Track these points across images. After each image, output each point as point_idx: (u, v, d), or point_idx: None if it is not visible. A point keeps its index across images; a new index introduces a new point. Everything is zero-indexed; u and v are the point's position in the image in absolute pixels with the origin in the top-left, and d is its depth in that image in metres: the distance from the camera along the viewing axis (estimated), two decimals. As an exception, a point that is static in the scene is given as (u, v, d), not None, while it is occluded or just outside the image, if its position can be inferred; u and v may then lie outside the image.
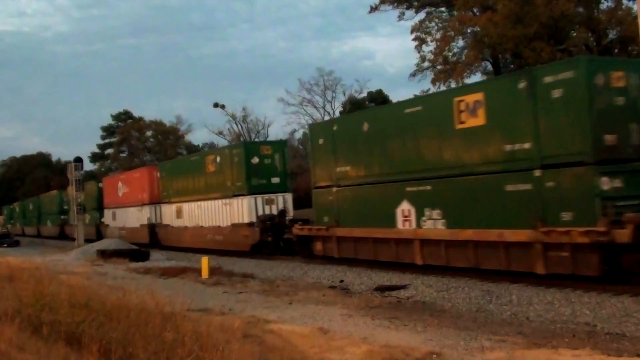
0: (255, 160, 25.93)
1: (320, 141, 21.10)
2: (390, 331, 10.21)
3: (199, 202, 29.65)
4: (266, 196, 25.47)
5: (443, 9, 42.26)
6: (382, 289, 15.38)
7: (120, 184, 40.97)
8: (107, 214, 44.03)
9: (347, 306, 12.85)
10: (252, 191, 25.44)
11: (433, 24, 41.11)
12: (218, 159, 28.35)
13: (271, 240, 24.12)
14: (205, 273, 19.08)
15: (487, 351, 8.56)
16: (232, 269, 21.55)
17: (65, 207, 52.15)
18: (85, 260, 27.33)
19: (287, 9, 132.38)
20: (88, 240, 38.75)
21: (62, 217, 55.22)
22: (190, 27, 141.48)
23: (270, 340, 9.03)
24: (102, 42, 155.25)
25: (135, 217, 37.52)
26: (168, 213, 33.51)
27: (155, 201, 35.21)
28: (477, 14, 37.56)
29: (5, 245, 44.72)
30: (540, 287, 13.39)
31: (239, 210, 25.85)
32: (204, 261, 19.47)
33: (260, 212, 25.11)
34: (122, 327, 7.24)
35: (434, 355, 8.26)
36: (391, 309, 12.62)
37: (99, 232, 45.17)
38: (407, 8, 43.03)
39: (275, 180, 26.04)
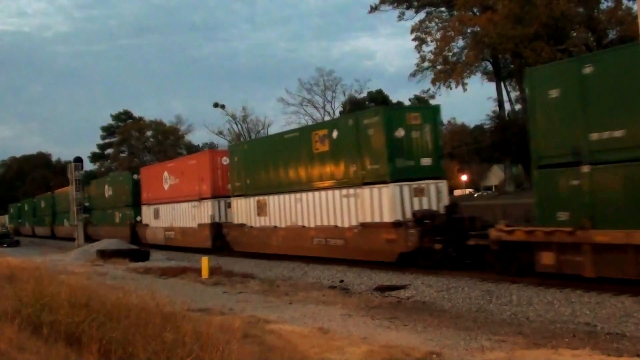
0: (400, 133, 18.47)
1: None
2: (390, 331, 10.21)
3: (298, 194, 22.10)
4: (415, 184, 18.26)
5: (443, 9, 42.32)
6: (382, 289, 15.38)
7: (166, 174, 33.91)
8: (147, 211, 36.81)
9: (347, 306, 12.85)
10: (397, 177, 18.13)
11: (433, 24, 41.19)
12: (335, 133, 20.42)
13: (439, 248, 16.85)
14: (205, 273, 19.08)
15: (487, 351, 8.56)
16: (232, 269, 21.55)
17: (87, 204, 47.81)
18: (85, 260, 27.31)
19: (288, 9, 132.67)
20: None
21: (84, 215, 49.69)
22: (190, 27, 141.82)
23: (270, 340, 9.03)
24: (102, 42, 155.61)
25: (189, 215, 30.73)
26: (243, 209, 25.94)
27: (221, 194, 28.47)
28: (477, 14, 37.60)
29: (5, 245, 44.71)
30: (540, 287, 13.40)
31: (375, 204, 18.54)
32: (204, 261, 19.47)
33: (408, 206, 18.03)
34: (122, 327, 7.23)
35: (434, 355, 8.25)
36: (391, 309, 12.62)
37: (134, 233, 38.34)
38: (407, 8, 43.11)
39: (426, 161, 18.73)
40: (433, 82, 39.65)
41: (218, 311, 12.00)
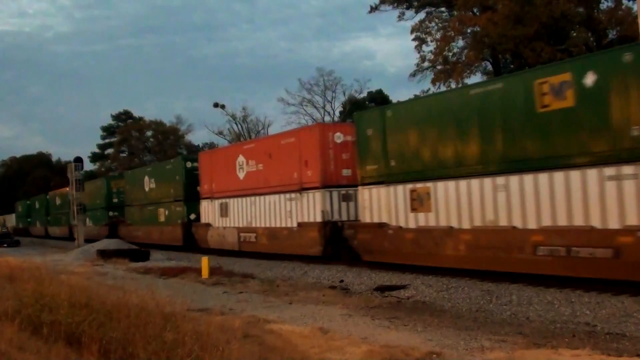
0: None
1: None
2: (390, 331, 10.21)
3: (501, 178, 14.66)
4: None
5: (443, 9, 42.33)
6: (382, 289, 15.39)
7: (242, 159, 26.38)
8: (208, 207, 29.29)
9: (347, 306, 12.85)
10: None
11: (433, 24, 41.21)
12: (590, 78, 12.55)
13: None
14: (205, 273, 19.09)
15: (487, 351, 8.56)
16: (232, 269, 21.55)
17: (116, 200, 43.20)
18: (85, 260, 27.31)
19: (288, 9, 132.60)
20: (168, 248, 31.17)
21: (111, 213, 43.68)
22: (191, 28, 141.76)
23: (270, 340, 9.03)
24: (103, 42, 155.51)
25: (281, 212, 23.50)
26: (383, 202, 18.21)
27: (332, 183, 21.36)
28: (477, 14, 37.61)
29: (5, 245, 44.70)
30: (540, 287, 13.41)
31: None
32: (204, 261, 19.47)
33: None
34: (122, 327, 7.23)
35: (434, 355, 8.26)
36: (391, 309, 12.63)
37: (188, 235, 31.01)
38: (407, 8, 43.12)
39: None
40: (433, 82, 39.64)
41: (218, 311, 12.01)
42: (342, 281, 17.47)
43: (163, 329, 7.17)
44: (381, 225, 18.28)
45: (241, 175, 26.50)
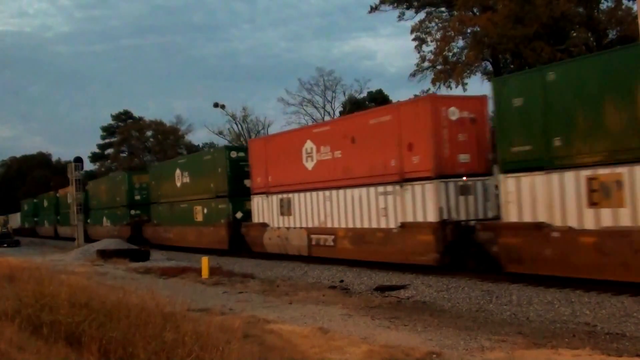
0: None
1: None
2: (390, 331, 10.21)
3: None
4: None
5: (443, 9, 42.29)
6: (382, 289, 15.39)
7: (310, 145, 21.79)
8: (262, 204, 24.88)
9: (347, 306, 12.85)
10: None
11: (433, 24, 41.15)
12: None
13: None
14: (205, 273, 19.09)
15: (487, 351, 8.56)
16: (232, 269, 21.55)
17: (138, 197, 38.88)
18: (85, 260, 27.32)
19: (289, 9, 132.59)
20: (208, 252, 25.51)
21: (133, 212, 39.24)
22: (191, 28, 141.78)
23: (270, 340, 9.03)
24: (103, 42, 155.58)
25: (370, 209, 18.78)
26: (556, 193, 13.58)
27: (447, 172, 16.68)
28: (477, 14, 37.59)
29: (5, 245, 44.70)
30: (540, 287, 13.41)
31: None
32: (204, 261, 19.47)
33: None
34: (122, 327, 7.23)
35: (434, 355, 8.25)
36: (391, 309, 12.63)
37: (236, 237, 26.53)
38: (407, 8, 43.07)
39: None
40: (433, 82, 39.56)
41: (218, 311, 12.01)
42: (342, 281, 17.47)
43: (163, 329, 7.17)
44: (539, 226, 13.71)
45: (309, 165, 21.83)
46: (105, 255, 27.39)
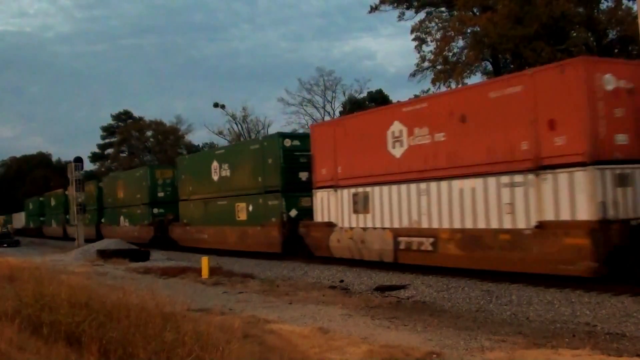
0: None
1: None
2: (390, 331, 10.21)
3: None
4: None
5: (443, 9, 42.31)
6: (382, 289, 15.39)
7: (397, 126, 18.12)
8: (327, 200, 20.92)
9: (347, 306, 12.85)
10: None
11: (433, 24, 41.16)
12: None
13: None
14: (205, 273, 19.09)
15: (487, 351, 8.56)
16: (232, 269, 21.54)
17: (162, 194, 35.45)
18: (85, 260, 27.31)
19: (289, 9, 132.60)
20: (255, 256, 24.63)
21: (156, 210, 35.37)
22: (191, 28, 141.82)
23: (270, 340, 9.03)
24: (103, 42, 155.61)
25: (488, 205, 15.08)
26: None
27: (604, 158, 13.10)
28: (477, 14, 37.60)
29: (5, 245, 44.70)
30: (540, 287, 13.41)
31: None
32: (204, 261, 19.47)
33: None
34: (122, 327, 7.23)
35: (434, 355, 8.26)
36: (391, 309, 12.63)
37: (292, 238, 22.85)
38: (407, 8, 43.09)
39: None
40: (433, 82, 39.58)
41: (218, 311, 12.00)
42: (342, 281, 17.47)
43: (163, 329, 7.17)
44: None
45: (397, 151, 18.00)
46: (105, 255, 27.39)
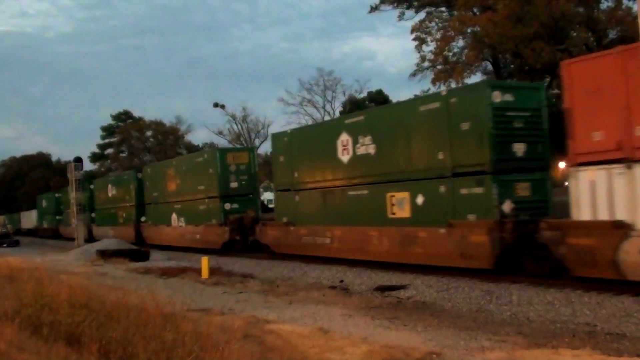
0: None
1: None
2: (390, 331, 10.21)
3: None
4: None
5: (443, 9, 42.33)
6: (382, 289, 15.38)
7: None
8: (602, 185, 12.30)
9: (347, 306, 12.85)
10: None
11: (433, 24, 41.20)
12: None
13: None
14: (205, 273, 19.08)
15: (487, 351, 8.56)
16: (232, 269, 21.53)
17: (236, 184, 27.52)
18: (85, 260, 27.31)
19: (289, 9, 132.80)
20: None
21: (228, 205, 27.23)
22: (192, 28, 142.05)
23: (270, 340, 9.03)
24: (104, 42, 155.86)
25: None
26: None
27: None
28: (477, 14, 37.62)
29: (5, 245, 44.68)
30: (540, 287, 13.39)
31: None
32: (204, 261, 19.46)
33: None
34: (122, 327, 7.24)
35: (434, 355, 8.26)
36: (391, 309, 12.62)
37: (513, 245, 14.40)
38: (407, 8, 43.11)
39: None
40: (433, 82, 39.59)
41: (218, 311, 12.01)
42: (342, 281, 17.45)
43: (163, 329, 7.17)
44: None
45: None
46: (105, 255, 27.37)
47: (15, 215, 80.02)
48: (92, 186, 46.54)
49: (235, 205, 27.21)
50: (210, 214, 28.14)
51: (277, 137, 24.63)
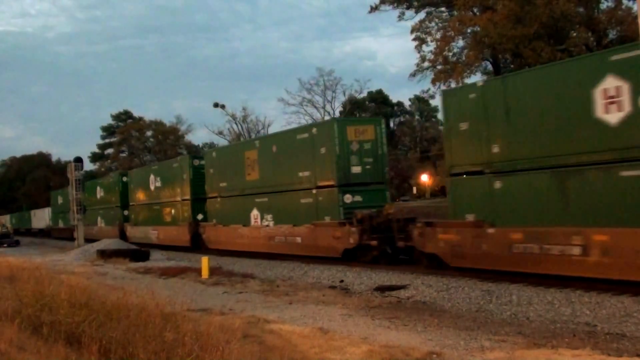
0: None
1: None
2: (390, 331, 10.21)
3: None
4: None
5: (443, 9, 42.35)
6: (382, 289, 15.38)
7: None
8: None
9: (347, 306, 12.85)
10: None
11: (433, 24, 41.24)
12: None
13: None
14: (205, 273, 19.08)
15: (487, 351, 8.56)
16: (232, 269, 21.53)
17: (359, 168, 20.12)
18: (85, 260, 27.32)
19: (290, 9, 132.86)
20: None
21: (349, 198, 20.11)
22: (192, 28, 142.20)
23: (270, 340, 9.03)
24: (104, 42, 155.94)
25: None
26: None
27: None
28: (477, 14, 37.63)
29: (5, 245, 44.68)
30: (540, 287, 13.40)
31: None
32: (204, 261, 19.46)
33: None
34: (122, 327, 7.24)
35: (434, 355, 8.26)
36: (391, 309, 12.62)
37: None
38: (407, 8, 43.14)
39: None
40: (433, 82, 39.63)
41: (218, 311, 12.01)
42: (342, 281, 17.45)
43: (163, 329, 7.17)
44: None
45: None
46: (105, 255, 27.38)
47: (25, 213, 73.01)
48: (125, 178, 39.60)
49: (358, 198, 19.99)
50: (321, 210, 20.65)
51: (455, 95, 16.80)
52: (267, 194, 23.73)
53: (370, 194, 20.25)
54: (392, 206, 19.98)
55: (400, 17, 43.67)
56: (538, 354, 8.29)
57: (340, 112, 57.12)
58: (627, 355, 8.24)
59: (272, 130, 60.80)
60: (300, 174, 21.70)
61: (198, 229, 28.84)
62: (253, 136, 60.40)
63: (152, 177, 34.79)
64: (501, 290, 13.64)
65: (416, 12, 43.03)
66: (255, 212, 24.46)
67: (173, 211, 31.57)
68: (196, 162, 29.93)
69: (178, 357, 6.44)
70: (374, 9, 43.26)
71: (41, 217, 62.54)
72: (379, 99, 60.13)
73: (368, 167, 20.23)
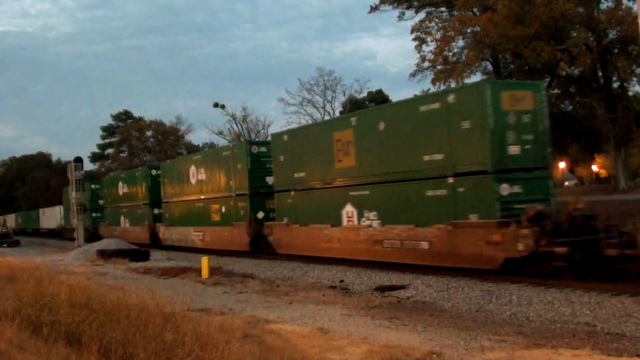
0: None
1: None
2: (390, 331, 10.21)
3: None
4: None
5: (443, 9, 42.39)
6: (382, 289, 15.38)
7: None
8: None
9: (347, 306, 12.85)
10: None
11: (433, 24, 41.28)
12: None
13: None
14: (205, 273, 19.08)
15: (487, 351, 8.56)
16: (232, 269, 21.53)
17: (518, 147, 14.56)
18: (85, 260, 27.31)
19: (290, 9, 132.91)
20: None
21: (506, 190, 14.38)
22: (193, 28, 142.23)
23: (270, 340, 9.03)
24: (105, 42, 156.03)
25: None
26: None
27: None
28: (477, 14, 37.66)
29: (5, 245, 44.67)
30: (540, 287, 13.40)
31: None
32: (204, 261, 19.46)
33: None
34: (122, 327, 7.24)
35: (434, 355, 8.26)
36: (391, 309, 12.62)
37: None
38: (407, 8, 43.20)
39: None
40: (433, 82, 39.65)
41: (218, 311, 12.00)
42: (342, 281, 17.46)
43: (163, 329, 7.17)
44: None
45: None
46: (105, 255, 27.36)
47: (32, 212, 68.65)
48: (154, 171, 35.45)
49: (517, 189, 14.76)
50: (462, 205, 15.30)
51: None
52: (369, 185, 18.50)
53: (531, 184, 14.99)
54: (580, 200, 14.90)
55: (400, 17, 43.74)
56: (538, 354, 8.29)
57: (340, 112, 57.10)
58: (627, 355, 8.24)
59: (272, 130, 60.73)
60: (427, 157, 16.10)
61: (261, 230, 24.10)
62: (253, 136, 60.33)
63: (192, 168, 29.81)
64: (501, 290, 13.64)
65: (416, 12, 43.10)
66: (349, 209, 19.36)
67: (224, 208, 26.91)
68: (254, 148, 25.61)
69: (178, 357, 6.45)
70: (374, 9, 43.31)
71: (51, 216, 57.34)
72: (379, 99, 60.11)
73: (528, 146, 14.91)
